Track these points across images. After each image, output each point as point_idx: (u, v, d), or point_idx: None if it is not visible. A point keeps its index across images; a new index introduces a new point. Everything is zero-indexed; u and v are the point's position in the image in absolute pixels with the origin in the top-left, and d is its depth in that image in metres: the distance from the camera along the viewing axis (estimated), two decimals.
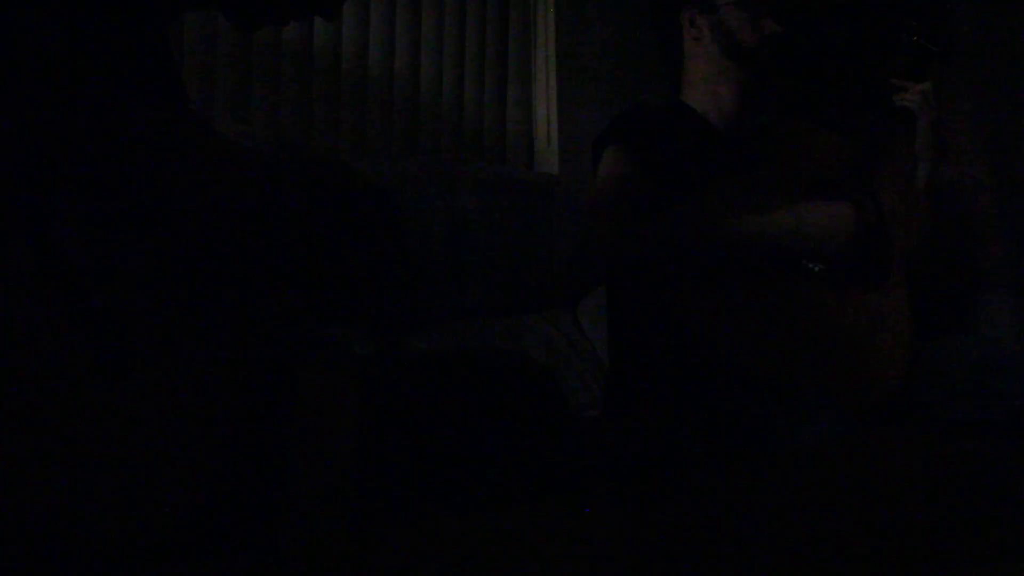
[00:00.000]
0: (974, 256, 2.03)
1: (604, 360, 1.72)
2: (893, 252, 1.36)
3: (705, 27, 1.44)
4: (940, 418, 1.39)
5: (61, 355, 0.50)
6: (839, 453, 0.87)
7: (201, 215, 0.59)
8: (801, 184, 1.38)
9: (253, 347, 0.61)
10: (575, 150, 2.07)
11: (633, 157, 1.37)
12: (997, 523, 0.57)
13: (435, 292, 1.70)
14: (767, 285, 1.28)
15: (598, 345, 1.83)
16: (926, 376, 1.35)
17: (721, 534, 0.54)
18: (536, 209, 1.86)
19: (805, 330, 1.27)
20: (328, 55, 1.81)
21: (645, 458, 1.24)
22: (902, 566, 0.48)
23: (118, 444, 0.51)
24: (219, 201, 0.59)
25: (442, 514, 0.62)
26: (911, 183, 1.42)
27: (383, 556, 0.52)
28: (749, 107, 1.47)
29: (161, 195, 0.57)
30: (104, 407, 0.51)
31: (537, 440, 0.71)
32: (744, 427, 1.20)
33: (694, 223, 1.28)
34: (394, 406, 0.69)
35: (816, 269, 1.28)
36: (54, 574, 0.49)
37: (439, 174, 1.77)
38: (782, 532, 0.55)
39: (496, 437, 0.70)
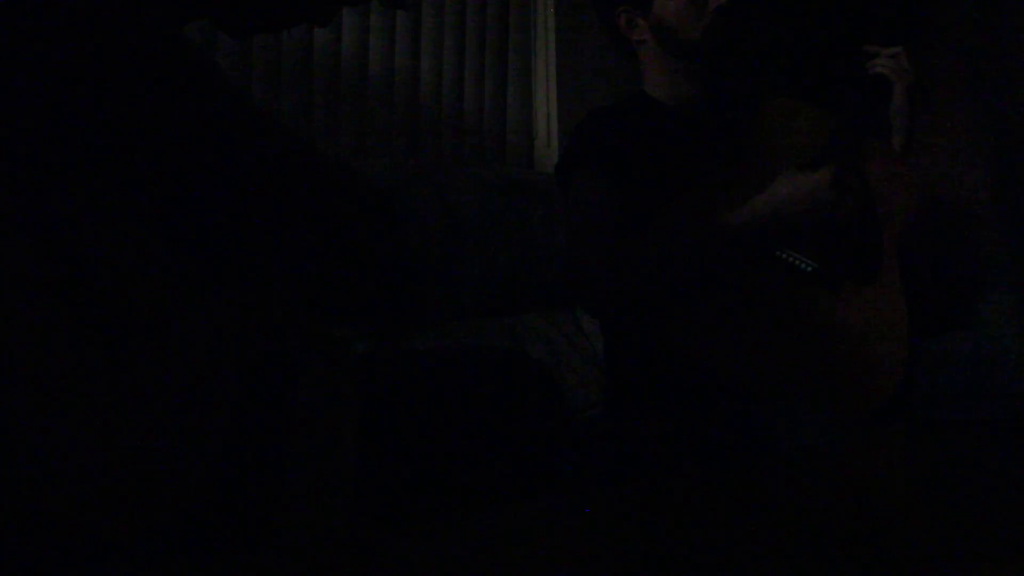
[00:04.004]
0: (974, 255, 2.03)
1: (604, 360, 1.72)
2: (883, 233, 1.32)
3: (644, 28, 1.36)
4: (940, 418, 1.39)
5: (62, 347, 0.50)
6: (839, 453, 0.87)
7: (201, 212, 0.59)
8: (785, 164, 1.29)
9: (253, 346, 0.61)
10: None
11: (602, 181, 1.28)
12: (997, 523, 0.57)
13: (435, 292, 1.70)
14: (757, 291, 1.23)
15: (598, 345, 1.83)
16: (925, 375, 1.33)
17: (722, 534, 0.54)
18: (536, 209, 1.86)
19: (799, 337, 1.22)
20: (328, 55, 1.81)
21: (645, 459, 1.23)
22: (902, 566, 0.48)
23: (118, 439, 0.51)
24: (218, 200, 0.59)
25: (442, 513, 0.62)
26: (896, 156, 1.37)
27: (383, 556, 0.52)
28: (716, 88, 1.39)
29: (164, 190, 0.57)
30: (105, 401, 0.51)
31: (537, 440, 0.71)
32: (739, 436, 1.18)
33: (675, 242, 1.21)
34: (394, 405, 0.69)
35: (809, 269, 1.25)
36: (54, 569, 0.49)
37: (439, 174, 1.77)
38: (782, 532, 0.55)
39: (495, 436, 0.70)
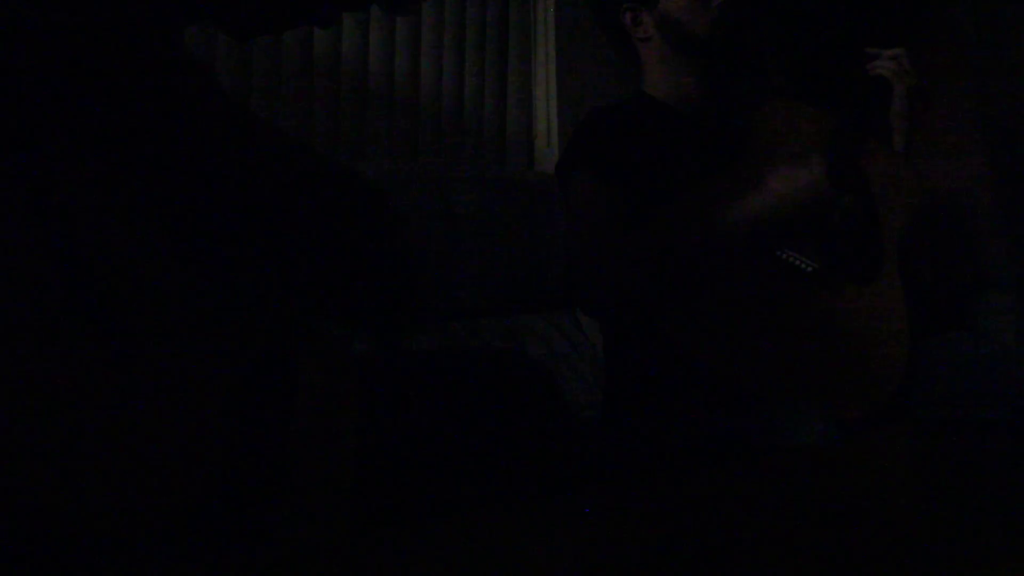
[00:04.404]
0: (974, 255, 2.03)
1: (604, 360, 1.72)
2: (883, 233, 1.32)
3: (650, 24, 1.36)
4: (940, 418, 1.39)
5: (63, 344, 0.50)
6: (838, 453, 0.87)
7: (204, 212, 0.59)
8: (785, 166, 1.28)
9: (253, 345, 0.61)
10: None
11: (603, 182, 1.27)
12: (997, 523, 0.57)
13: (434, 292, 1.70)
14: (758, 291, 1.23)
15: (598, 345, 1.83)
16: (926, 376, 1.33)
17: (722, 534, 0.54)
18: (536, 209, 1.86)
19: (799, 337, 1.22)
20: (328, 55, 1.81)
21: (645, 459, 1.23)
22: (902, 566, 0.48)
23: (117, 438, 0.51)
24: (220, 200, 0.59)
25: (442, 514, 0.62)
26: (897, 157, 1.37)
27: (383, 556, 0.52)
28: (717, 88, 1.39)
29: (166, 189, 0.57)
30: (105, 399, 0.51)
31: (536, 440, 0.71)
32: (739, 436, 1.18)
33: (673, 243, 1.21)
34: (393, 405, 0.69)
35: (810, 269, 1.25)
36: (54, 568, 0.49)
37: (439, 174, 1.77)
38: (782, 532, 0.55)
39: (495, 437, 0.70)
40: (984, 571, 0.47)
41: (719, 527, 0.56)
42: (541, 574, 0.48)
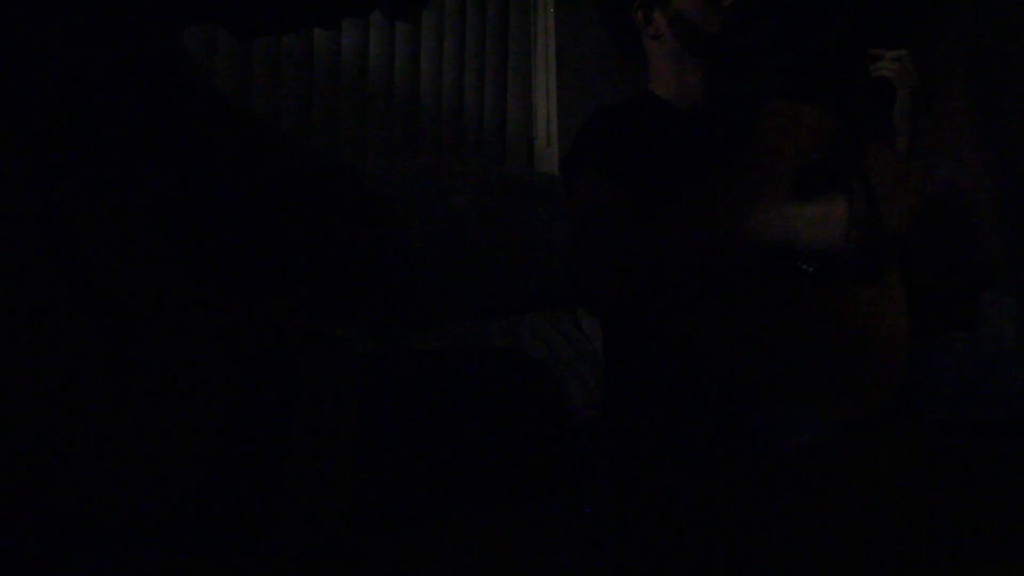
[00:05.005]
0: (974, 255, 2.03)
1: (604, 360, 1.72)
2: (885, 240, 1.32)
3: (663, 22, 1.37)
4: (940, 418, 1.39)
5: (65, 344, 0.50)
6: (838, 453, 0.87)
7: (206, 212, 0.59)
8: (789, 167, 1.31)
9: (253, 345, 0.61)
10: None
11: (609, 180, 1.27)
12: (997, 523, 0.57)
13: (435, 292, 1.70)
14: (759, 291, 1.23)
15: (598, 345, 1.83)
16: (926, 376, 1.33)
17: (722, 534, 0.54)
18: (536, 209, 1.86)
19: (800, 338, 1.22)
20: (328, 55, 1.81)
21: (645, 459, 1.23)
22: (902, 566, 0.48)
23: (118, 437, 0.51)
24: (222, 201, 0.59)
25: (442, 514, 0.62)
26: (899, 159, 1.37)
27: (382, 556, 0.52)
28: (721, 88, 1.40)
29: (168, 189, 0.57)
30: (106, 398, 0.51)
31: (536, 439, 0.71)
32: (739, 436, 1.18)
33: (680, 248, 1.22)
34: (394, 405, 0.69)
35: (810, 271, 1.25)
36: (55, 565, 0.49)
37: (439, 174, 1.77)
38: (782, 531, 0.55)
39: (495, 436, 0.70)
40: (984, 571, 0.47)
41: (719, 527, 0.56)
42: (541, 574, 0.48)
